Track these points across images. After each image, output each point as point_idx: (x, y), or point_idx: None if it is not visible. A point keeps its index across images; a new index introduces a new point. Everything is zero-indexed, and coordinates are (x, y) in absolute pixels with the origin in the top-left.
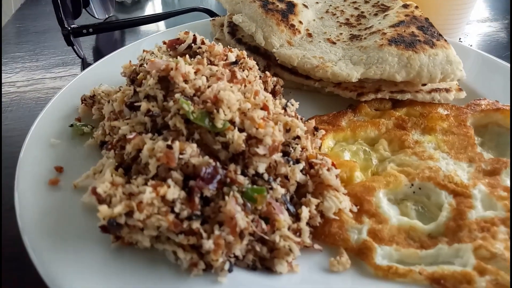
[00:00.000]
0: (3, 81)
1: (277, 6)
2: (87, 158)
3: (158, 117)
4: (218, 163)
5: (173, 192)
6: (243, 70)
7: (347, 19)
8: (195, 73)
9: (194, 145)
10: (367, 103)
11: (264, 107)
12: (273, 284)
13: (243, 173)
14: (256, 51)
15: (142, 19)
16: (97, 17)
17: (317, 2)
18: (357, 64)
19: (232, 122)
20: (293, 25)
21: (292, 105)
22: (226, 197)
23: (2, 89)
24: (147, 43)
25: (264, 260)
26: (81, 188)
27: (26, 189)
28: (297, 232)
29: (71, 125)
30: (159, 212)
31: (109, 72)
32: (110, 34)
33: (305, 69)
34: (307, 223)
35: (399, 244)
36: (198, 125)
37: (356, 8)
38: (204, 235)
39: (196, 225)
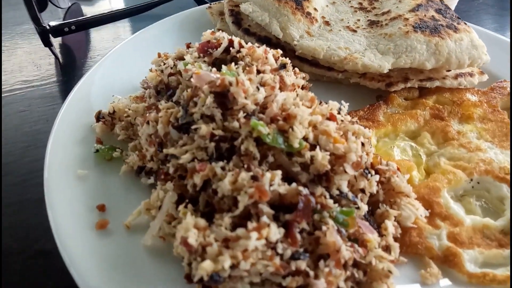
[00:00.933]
0: None
1: None
2: (127, 189)
3: (223, 142)
4: (306, 189)
5: (275, 232)
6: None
7: (360, 3)
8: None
9: (279, 172)
10: (396, 93)
11: (331, 117)
12: None
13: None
14: (268, 42)
15: (125, 11)
16: (60, 6)
17: None
18: (386, 54)
19: (305, 138)
20: (309, 13)
21: (344, 107)
22: (323, 227)
23: None
24: (147, 36)
25: (361, 284)
26: (134, 228)
27: (71, 237)
28: (386, 249)
29: (97, 151)
30: (264, 256)
31: (112, 78)
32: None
33: (332, 61)
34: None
35: (480, 245)
36: (270, 146)
37: None
38: (311, 273)
39: (303, 264)
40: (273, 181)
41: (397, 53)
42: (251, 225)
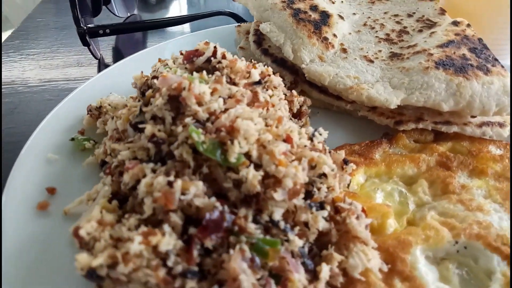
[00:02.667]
0: (16, 77)
1: (310, 15)
2: (85, 179)
3: (163, 144)
4: (226, 207)
5: (168, 242)
6: (267, 90)
7: (388, 34)
8: (212, 93)
9: (200, 184)
10: (406, 133)
11: (287, 139)
12: None
13: (255, 219)
14: (283, 64)
15: (164, 21)
16: (118, 15)
17: (354, 14)
18: (398, 88)
19: (248, 155)
20: (326, 38)
21: (321, 134)
22: (231, 251)
23: (14, 86)
24: (171, 46)
25: None
26: (73, 216)
27: (12, 212)
28: None
29: (72, 139)
30: (148, 265)
31: (123, 79)
32: (131, 34)
33: (337, 89)
34: (327, 283)
35: None
36: (207, 157)
37: (398, 22)
38: None
39: (191, 284)
40: (188, 191)
41: (411, 89)
42: (141, 229)
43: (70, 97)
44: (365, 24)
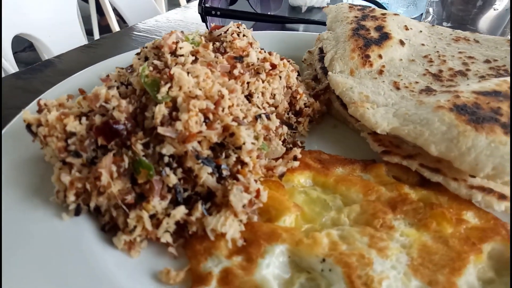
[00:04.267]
0: None
1: (369, 33)
2: None
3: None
4: (129, 125)
5: (75, 126)
6: (260, 72)
7: (440, 71)
8: (195, 54)
9: (123, 102)
10: (389, 166)
11: (217, 102)
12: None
13: (148, 145)
14: None
15: (270, 16)
16: (255, 10)
17: (423, 44)
18: (398, 117)
19: (175, 100)
20: (368, 56)
21: (269, 120)
22: (109, 154)
23: None
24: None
25: (111, 225)
26: None
27: None
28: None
29: None
30: (57, 136)
31: None
32: None
33: (345, 101)
34: (180, 224)
35: None
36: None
37: (464, 64)
38: (73, 171)
39: (72, 160)
40: (110, 102)
41: (408, 120)
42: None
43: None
44: (426, 56)
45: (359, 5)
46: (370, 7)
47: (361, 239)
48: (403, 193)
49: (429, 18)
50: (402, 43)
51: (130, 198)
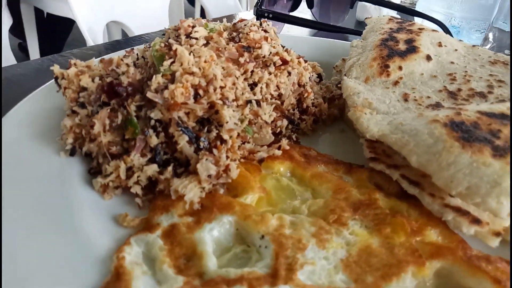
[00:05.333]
0: None
1: (397, 45)
2: None
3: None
4: (130, 89)
5: (87, 82)
6: (268, 65)
7: (459, 90)
8: (208, 40)
9: (132, 69)
10: (373, 173)
11: (209, 81)
12: None
13: (141, 108)
14: None
15: (319, 23)
16: (317, 19)
17: (452, 62)
18: (391, 125)
19: (173, 75)
20: (387, 66)
21: (259, 107)
22: (105, 108)
23: None
24: (299, 41)
25: (96, 169)
26: None
27: None
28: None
29: None
30: (72, 89)
31: None
32: None
33: (347, 105)
34: (152, 181)
35: None
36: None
37: (489, 86)
38: (76, 119)
39: (78, 110)
40: (120, 67)
41: (399, 129)
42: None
43: None
44: (449, 74)
45: (401, 19)
46: (410, 20)
47: (309, 228)
48: (373, 198)
49: (488, 46)
50: (428, 58)
51: (115, 149)
